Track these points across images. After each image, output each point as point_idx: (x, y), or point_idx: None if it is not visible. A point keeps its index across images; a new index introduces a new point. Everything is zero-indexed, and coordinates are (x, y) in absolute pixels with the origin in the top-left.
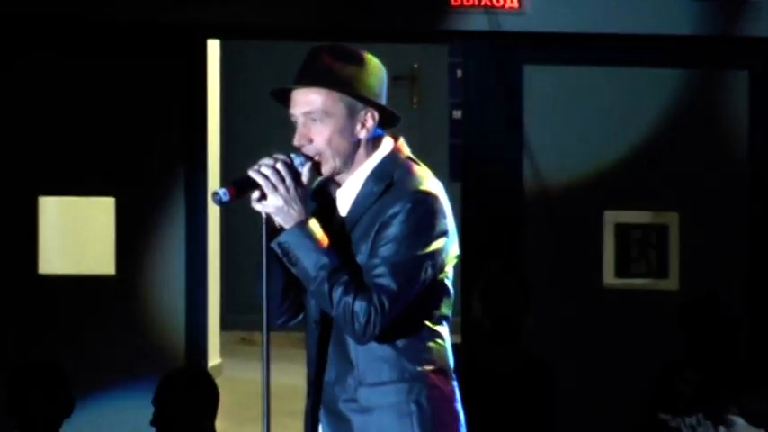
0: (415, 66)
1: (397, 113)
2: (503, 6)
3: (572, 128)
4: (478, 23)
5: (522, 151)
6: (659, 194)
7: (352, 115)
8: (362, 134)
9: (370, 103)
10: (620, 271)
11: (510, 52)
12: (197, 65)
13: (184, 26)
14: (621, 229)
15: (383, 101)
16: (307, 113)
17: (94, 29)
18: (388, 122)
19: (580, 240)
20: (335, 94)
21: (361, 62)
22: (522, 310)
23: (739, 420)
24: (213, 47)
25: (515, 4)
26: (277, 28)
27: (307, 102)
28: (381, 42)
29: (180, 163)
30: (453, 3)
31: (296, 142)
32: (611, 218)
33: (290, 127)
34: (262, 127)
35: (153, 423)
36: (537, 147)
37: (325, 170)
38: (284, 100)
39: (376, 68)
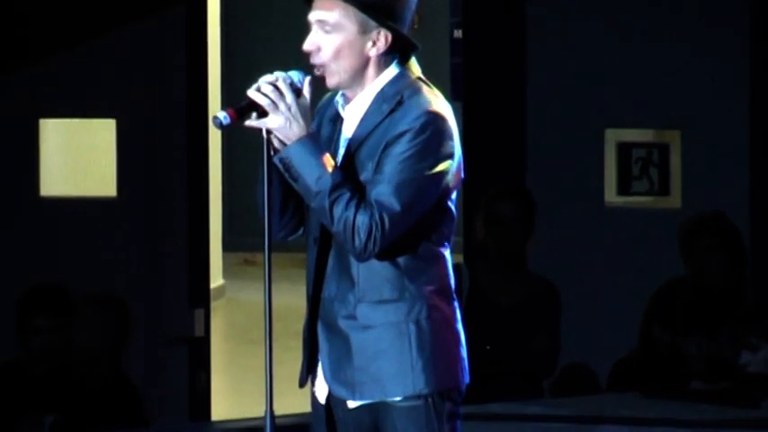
0: None
1: (414, 41)
2: None
3: (574, 44)
4: None
5: (524, 71)
6: (661, 112)
7: (363, 32)
8: (372, 52)
9: (384, 25)
10: (622, 189)
11: None
12: None
13: None
14: (623, 148)
15: (403, 24)
16: (320, 22)
17: None
18: (403, 49)
19: (581, 159)
20: (350, 9)
21: None
22: (526, 233)
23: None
24: None
25: None
26: None
27: (321, 10)
28: None
29: (181, 83)
30: None
31: (305, 46)
32: (613, 136)
33: (288, 47)
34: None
35: None
36: (539, 65)
37: (331, 82)
38: (308, 2)
39: None
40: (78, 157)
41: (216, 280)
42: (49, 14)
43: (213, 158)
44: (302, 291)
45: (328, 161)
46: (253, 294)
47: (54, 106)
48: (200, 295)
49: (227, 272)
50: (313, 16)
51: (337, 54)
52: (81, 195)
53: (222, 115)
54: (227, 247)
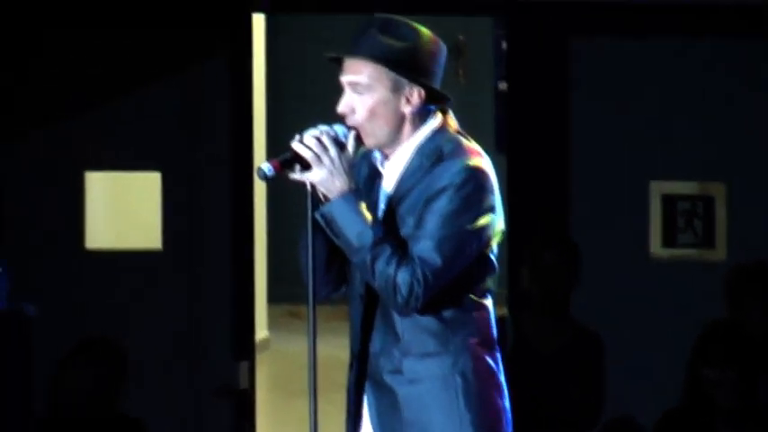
0: (461, 38)
1: (446, 94)
2: None
3: (618, 98)
4: None
5: (569, 122)
6: (706, 165)
7: (396, 90)
8: (407, 110)
9: (416, 81)
10: (667, 241)
11: (555, 22)
12: (242, 38)
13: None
14: (668, 200)
15: (434, 79)
16: (352, 84)
17: (139, 3)
18: (437, 101)
19: (627, 211)
20: (381, 68)
21: (413, 37)
22: (571, 281)
23: None
24: (259, 22)
25: None
26: (320, 1)
27: (353, 72)
28: (425, 14)
29: (225, 137)
30: None
31: (339, 109)
32: (658, 188)
33: (333, 101)
34: (308, 101)
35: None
36: (583, 116)
37: (368, 143)
38: (341, 65)
39: (430, 44)
40: (123, 209)
41: (260, 332)
42: (94, 67)
43: (258, 209)
44: (346, 343)
45: (369, 216)
46: (297, 346)
47: (99, 159)
48: (245, 347)
49: (271, 323)
50: (344, 78)
51: (372, 114)
52: (126, 248)
53: (267, 167)
54: (271, 298)
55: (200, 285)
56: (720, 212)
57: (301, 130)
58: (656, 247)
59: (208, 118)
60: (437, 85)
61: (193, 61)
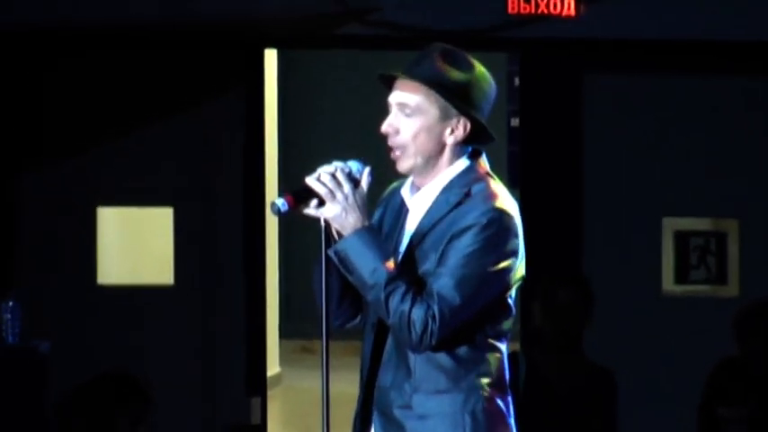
0: None
1: (492, 133)
2: (560, 14)
3: (630, 134)
4: (535, 31)
5: (581, 158)
6: (718, 202)
7: (444, 119)
8: (450, 140)
9: (464, 113)
10: (680, 278)
11: (567, 60)
12: (254, 76)
13: (241, 37)
14: (680, 236)
15: (482, 114)
16: (401, 104)
17: (153, 44)
18: (480, 139)
19: (639, 247)
20: (433, 94)
21: (469, 70)
22: (583, 318)
23: None
24: (270, 57)
25: (572, 12)
26: (333, 37)
27: (404, 92)
28: None
29: (237, 172)
30: (510, 10)
31: (384, 129)
32: (670, 225)
33: (346, 136)
34: (319, 136)
35: None
36: (595, 152)
37: (404, 166)
38: (388, 84)
39: (483, 80)
40: (135, 245)
41: (273, 368)
42: (105, 103)
43: (270, 245)
44: (358, 378)
45: (383, 252)
46: (310, 382)
47: (111, 194)
48: (257, 383)
49: (283, 359)
50: (394, 98)
51: (415, 137)
52: (138, 284)
53: (280, 202)
54: (283, 334)
55: (212, 321)
56: (733, 249)
57: (314, 164)
58: (668, 283)
59: (220, 154)
60: (484, 121)
61: (206, 97)
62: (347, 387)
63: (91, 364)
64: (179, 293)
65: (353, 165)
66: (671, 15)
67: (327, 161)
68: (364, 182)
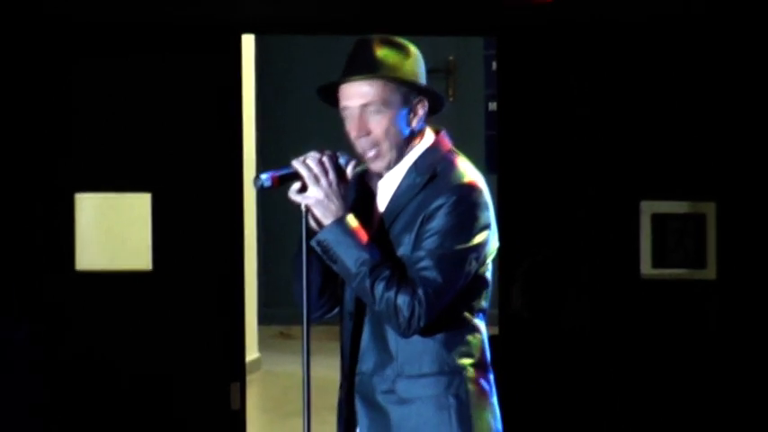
0: (451, 58)
1: (443, 97)
2: None
3: (607, 117)
4: (514, 15)
5: (559, 143)
6: (696, 184)
7: (405, 104)
8: (415, 123)
9: (421, 92)
10: (657, 261)
11: (545, 43)
12: (232, 60)
13: (218, 21)
14: (658, 219)
15: (431, 88)
16: (364, 105)
17: (125, 28)
18: (434, 110)
19: (617, 231)
20: (391, 84)
21: (408, 51)
22: (560, 301)
23: None
24: (248, 42)
25: None
26: (311, 22)
27: (363, 93)
28: (417, 35)
29: (215, 158)
30: None
31: (354, 134)
32: (648, 208)
33: (327, 120)
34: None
35: None
36: (573, 137)
37: (381, 164)
38: (329, 96)
39: (419, 57)
40: (114, 231)
41: (251, 353)
42: (83, 88)
43: (248, 231)
44: (339, 364)
45: (365, 240)
46: (289, 367)
47: (89, 180)
48: (236, 368)
49: (262, 345)
50: (353, 102)
51: (387, 132)
52: (116, 269)
53: (265, 177)
54: (262, 320)
55: (190, 306)
56: (711, 232)
57: (293, 153)
58: (646, 266)
59: (197, 139)
60: (437, 92)
61: (183, 82)
62: (327, 372)
63: (69, 348)
64: (157, 279)
65: (340, 155)
66: None
67: (307, 149)
68: (348, 173)
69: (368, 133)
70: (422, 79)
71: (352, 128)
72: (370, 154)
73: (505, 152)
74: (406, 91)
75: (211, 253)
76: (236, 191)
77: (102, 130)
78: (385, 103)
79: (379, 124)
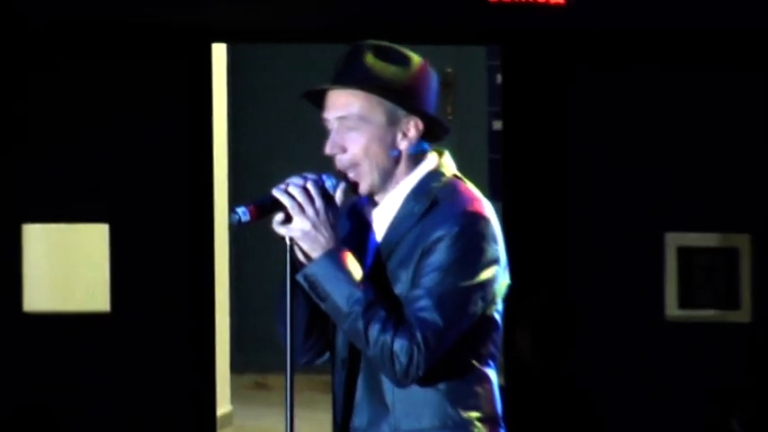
0: (449, 70)
1: (445, 123)
2: (547, 1)
3: (626, 139)
4: (519, 21)
5: (570, 167)
6: (727, 214)
7: (392, 123)
8: (404, 145)
9: (413, 111)
10: (684, 301)
11: (555, 54)
12: (201, 70)
13: (187, 29)
14: (685, 254)
15: (431, 108)
16: (341, 118)
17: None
18: (434, 135)
19: (638, 266)
20: (374, 98)
21: (406, 63)
22: (567, 342)
23: None
24: (219, 50)
25: (561, 0)
26: (290, 30)
27: (341, 105)
28: (409, 44)
29: (182, 185)
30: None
31: (328, 150)
32: (674, 240)
33: (303, 140)
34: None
35: None
36: (586, 161)
37: (363, 188)
38: (319, 102)
39: (424, 72)
40: (67, 267)
41: (223, 406)
42: (32, 108)
43: (219, 266)
44: (323, 418)
45: (359, 276)
46: (265, 422)
47: (38, 210)
48: (206, 423)
49: (235, 396)
50: (331, 114)
51: (366, 151)
52: (70, 311)
53: (242, 211)
54: (235, 367)
55: (153, 353)
56: (745, 268)
57: (271, 177)
58: (671, 307)
59: (162, 163)
60: (435, 114)
61: (147, 97)
62: (311, 428)
63: (16, 399)
64: (116, 321)
65: (327, 179)
66: (680, 2)
67: (285, 171)
68: (338, 199)
69: (343, 150)
70: (418, 97)
71: (327, 143)
72: (351, 175)
73: (511, 177)
74: (392, 108)
75: (177, 292)
76: (205, 221)
77: (52, 151)
78: (363, 119)
79: (355, 141)
